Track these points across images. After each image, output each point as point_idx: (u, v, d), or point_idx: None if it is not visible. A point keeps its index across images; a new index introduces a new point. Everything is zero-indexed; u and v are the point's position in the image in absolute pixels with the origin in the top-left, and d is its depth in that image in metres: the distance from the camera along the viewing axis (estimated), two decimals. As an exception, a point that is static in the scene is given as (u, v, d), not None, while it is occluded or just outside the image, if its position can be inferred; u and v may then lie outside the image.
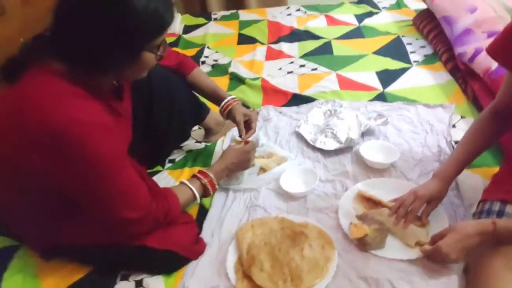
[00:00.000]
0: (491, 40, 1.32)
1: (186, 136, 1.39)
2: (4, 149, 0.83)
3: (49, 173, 0.80)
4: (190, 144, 1.44)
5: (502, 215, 0.89)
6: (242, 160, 1.17)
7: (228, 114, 1.26)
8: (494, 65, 1.28)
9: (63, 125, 0.75)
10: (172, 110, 1.23)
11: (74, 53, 0.79)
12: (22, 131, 0.78)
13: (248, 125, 1.26)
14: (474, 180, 1.12)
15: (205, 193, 1.07)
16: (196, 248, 1.01)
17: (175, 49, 2.07)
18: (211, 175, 1.08)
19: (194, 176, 1.08)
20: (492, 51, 0.92)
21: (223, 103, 1.24)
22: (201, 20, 2.38)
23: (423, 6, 1.97)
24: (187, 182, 1.04)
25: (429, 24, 1.83)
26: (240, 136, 1.23)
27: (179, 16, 2.43)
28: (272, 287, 0.89)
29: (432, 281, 0.87)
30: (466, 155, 0.97)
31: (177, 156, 1.39)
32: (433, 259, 0.88)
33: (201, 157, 1.37)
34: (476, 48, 1.41)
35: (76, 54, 0.79)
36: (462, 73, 1.50)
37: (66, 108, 0.77)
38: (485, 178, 1.11)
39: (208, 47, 2.07)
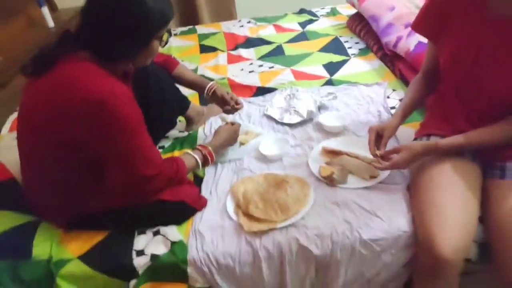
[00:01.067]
0: (408, 30, 1.70)
1: (173, 124, 1.61)
2: (44, 125, 1.01)
3: (86, 138, 1.00)
4: (175, 133, 1.66)
5: (428, 144, 1.21)
6: (232, 138, 1.41)
7: (213, 95, 1.50)
8: (412, 46, 1.65)
9: (101, 95, 0.96)
10: (163, 101, 1.45)
11: (100, 45, 1.01)
12: (65, 104, 0.97)
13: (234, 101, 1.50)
14: (408, 131, 1.44)
15: (205, 162, 1.29)
16: (201, 201, 1.23)
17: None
18: (210, 148, 1.31)
19: (195, 148, 1.30)
20: (415, 26, 1.23)
21: (207, 87, 1.49)
22: (162, 36, 2.61)
23: (353, 11, 2.38)
24: (191, 152, 1.26)
25: (359, 24, 2.22)
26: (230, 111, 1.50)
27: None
28: (267, 218, 1.14)
29: (384, 196, 1.18)
30: (409, 103, 1.27)
31: (165, 143, 1.60)
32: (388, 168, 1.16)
33: (187, 142, 1.58)
34: (397, 36, 1.79)
35: (102, 46, 1.01)
36: (389, 58, 1.88)
37: (101, 83, 0.99)
38: (415, 129, 1.44)
39: (174, 57, 2.29)
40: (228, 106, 1.48)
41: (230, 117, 1.56)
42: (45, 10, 2.23)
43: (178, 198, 1.16)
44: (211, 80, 1.95)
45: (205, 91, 1.49)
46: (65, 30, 1.07)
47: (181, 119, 1.69)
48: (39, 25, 2.29)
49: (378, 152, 1.18)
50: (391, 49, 1.83)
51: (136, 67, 1.17)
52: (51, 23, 2.25)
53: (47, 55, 1.04)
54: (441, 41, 1.17)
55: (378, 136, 1.22)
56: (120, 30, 1.00)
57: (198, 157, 1.25)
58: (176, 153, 1.52)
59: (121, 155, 1.04)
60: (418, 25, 1.23)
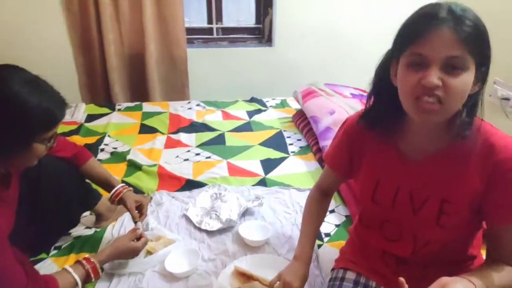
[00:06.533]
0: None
1: (74, 223, 1.42)
2: None
3: None
4: (79, 230, 1.46)
5: (343, 281, 1.07)
6: (131, 254, 1.24)
7: (120, 201, 1.34)
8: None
9: None
10: (59, 198, 1.28)
11: None
12: None
13: (139, 210, 1.35)
14: (332, 252, 1.32)
15: (87, 279, 1.10)
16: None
17: (75, 137, 2.14)
18: (95, 262, 1.12)
19: (77, 262, 1.12)
20: (326, 157, 1.13)
21: (113, 191, 1.33)
22: (105, 110, 2.51)
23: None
24: (69, 268, 1.07)
25: (303, 121, 2.19)
26: (135, 222, 1.31)
27: (83, 106, 2.53)
28: None
29: None
30: (313, 234, 1.12)
31: (64, 243, 1.39)
32: None
33: (89, 243, 1.39)
34: (333, 142, 1.74)
35: None
36: (326, 162, 1.81)
37: None
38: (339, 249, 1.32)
39: (109, 136, 2.17)
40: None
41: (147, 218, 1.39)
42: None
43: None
44: (140, 167, 1.84)
45: (110, 196, 1.33)
46: None
47: (92, 212, 1.51)
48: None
49: None
50: (327, 154, 1.77)
51: (16, 169, 1.02)
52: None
53: None
54: (356, 178, 1.05)
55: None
56: None
57: (77, 275, 1.06)
58: (72, 257, 1.32)
59: None
60: (327, 156, 1.11)
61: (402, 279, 0.78)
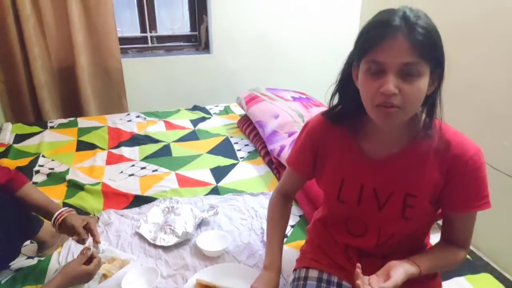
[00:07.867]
0: (291, 139, 1.69)
1: (15, 255, 1.29)
2: None
3: None
4: (20, 261, 1.33)
5: (306, 280, 1.10)
6: (84, 279, 1.15)
7: (63, 225, 1.22)
8: (293, 158, 1.64)
9: None
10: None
11: None
12: None
13: (89, 231, 1.24)
14: (291, 253, 1.35)
15: None
16: None
17: (4, 160, 1.95)
18: None
19: None
20: (289, 161, 1.14)
21: (54, 216, 1.21)
22: (35, 129, 2.32)
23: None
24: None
25: (248, 126, 2.22)
26: (83, 242, 1.21)
27: (10, 125, 2.32)
28: None
29: None
30: (280, 241, 1.14)
31: (3, 277, 1.26)
32: None
33: (33, 275, 1.27)
34: (281, 145, 1.79)
35: None
36: (275, 165, 1.85)
37: None
38: (299, 250, 1.35)
39: (43, 156, 2.01)
40: (81, 238, 1.22)
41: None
42: None
43: None
44: (82, 186, 1.72)
45: (52, 222, 1.22)
46: None
47: (33, 241, 1.38)
48: None
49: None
50: (275, 157, 1.81)
51: None
52: None
53: None
54: (318, 179, 1.09)
55: None
56: None
57: None
58: (15, 293, 1.20)
59: None
60: (294, 163, 1.12)
61: (358, 270, 0.84)
